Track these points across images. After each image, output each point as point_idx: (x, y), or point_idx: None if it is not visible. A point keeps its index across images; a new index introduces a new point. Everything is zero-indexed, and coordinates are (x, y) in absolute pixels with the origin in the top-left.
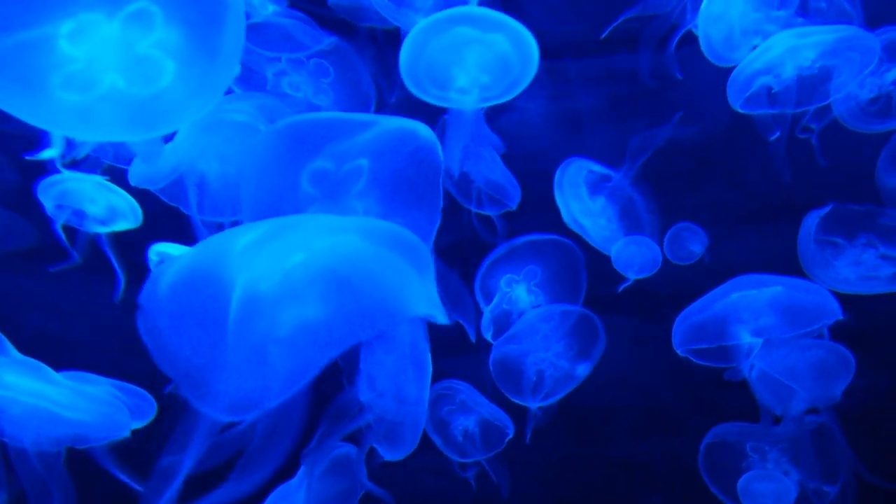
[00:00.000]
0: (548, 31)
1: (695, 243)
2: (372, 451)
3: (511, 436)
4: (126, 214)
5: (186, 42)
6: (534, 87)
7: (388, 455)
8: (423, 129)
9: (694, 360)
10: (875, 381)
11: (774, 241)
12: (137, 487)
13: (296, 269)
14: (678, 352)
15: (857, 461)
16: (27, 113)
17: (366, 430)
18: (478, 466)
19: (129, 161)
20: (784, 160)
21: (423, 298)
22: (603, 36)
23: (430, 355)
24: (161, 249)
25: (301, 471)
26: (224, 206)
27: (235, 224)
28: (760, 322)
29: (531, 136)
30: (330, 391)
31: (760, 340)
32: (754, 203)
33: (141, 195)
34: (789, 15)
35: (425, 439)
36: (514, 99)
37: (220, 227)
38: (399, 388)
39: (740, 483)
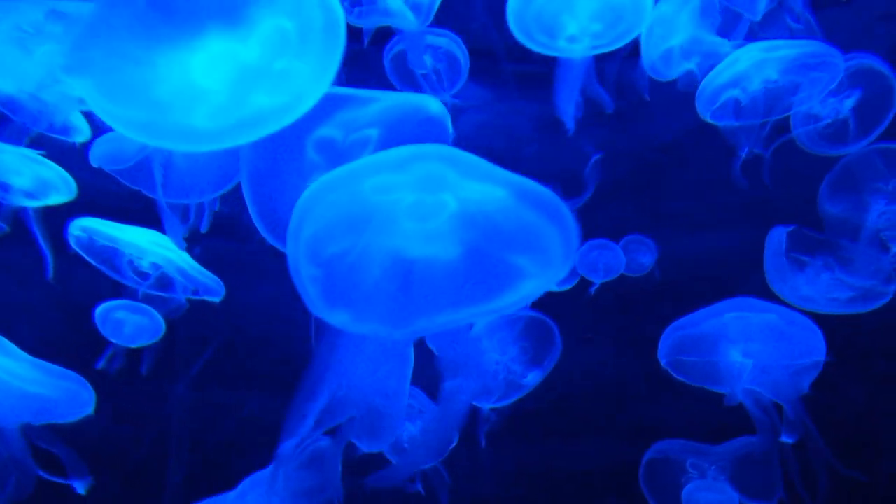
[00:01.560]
0: None
1: (644, 255)
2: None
3: (455, 443)
4: (58, 187)
5: (313, 43)
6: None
7: (367, 447)
8: (433, 103)
9: (674, 374)
10: (853, 396)
11: (732, 252)
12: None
13: (440, 208)
14: (662, 362)
15: (838, 473)
16: (176, 145)
17: (344, 424)
18: (429, 472)
19: (62, 131)
20: (739, 172)
21: (558, 272)
22: None
23: (412, 346)
24: (86, 224)
25: (275, 462)
26: (190, 188)
27: (201, 207)
28: (749, 346)
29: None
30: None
31: (750, 362)
32: (714, 213)
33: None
34: (738, 43)
35: None
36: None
37: (185, 210)
38: (380, 378)
39: (685, 493)
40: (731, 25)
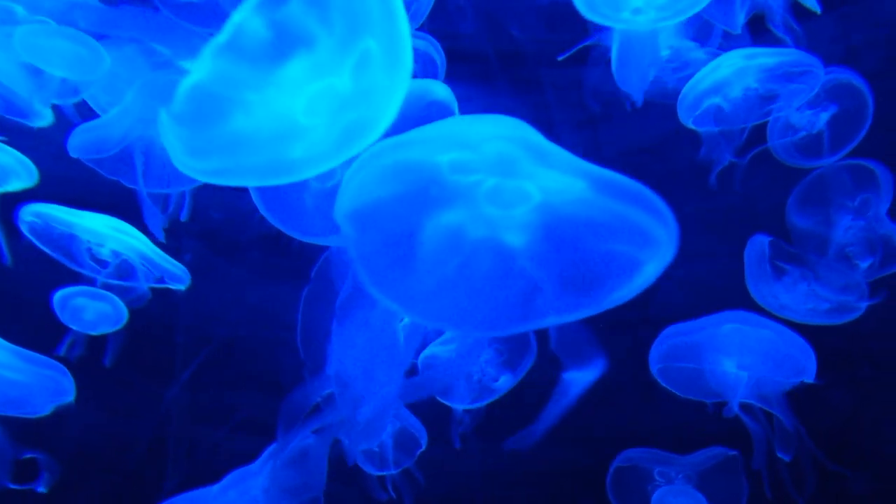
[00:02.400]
0: (527, 42)
1: None
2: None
3: (423, 448)
4: (18, 173)
5: (390, 51)
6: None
7: (353, 445)
8: (439, 87)
9: (661, 381)
10: (841, 400)
11: (713, 258)
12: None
13: (523, 196)
14: (652, 368)
15: (822, 481)
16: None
17: (331, 420)
18: (400, 476)
19: (19, 113)
20: (716, 179)
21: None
22: (561, 58)
23: (402, 339)
24: (39, 210)
25: (263, 457)
26: (172, 177)
27: (182, 196)
28: (743, 359)
29: None
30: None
31: (745, 374)
32: (694, 217)
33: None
34: (711, 52)
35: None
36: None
37: (165, 200)
38: (370, 372)
39: (654, 498)
40: (705, 33)
